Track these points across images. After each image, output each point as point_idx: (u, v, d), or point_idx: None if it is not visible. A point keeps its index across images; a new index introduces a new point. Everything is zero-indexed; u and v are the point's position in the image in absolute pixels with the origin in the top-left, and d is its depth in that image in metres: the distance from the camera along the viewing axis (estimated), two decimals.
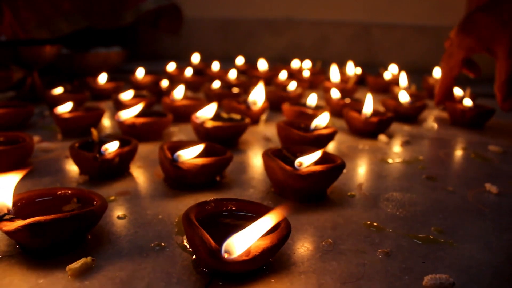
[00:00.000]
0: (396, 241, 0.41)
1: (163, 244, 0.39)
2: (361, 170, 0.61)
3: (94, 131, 0.58)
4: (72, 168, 0.58)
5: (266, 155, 0.49)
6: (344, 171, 0.59)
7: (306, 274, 0.35)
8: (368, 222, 0.45)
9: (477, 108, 0.88)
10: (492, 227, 0.45)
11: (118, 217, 0.44)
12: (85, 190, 0.43)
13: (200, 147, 0.51)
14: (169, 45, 1.93)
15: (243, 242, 0.32)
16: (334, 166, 0.48)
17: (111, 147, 0.53)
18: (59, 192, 0.43)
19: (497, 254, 0.40)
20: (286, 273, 0.35)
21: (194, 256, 0.37)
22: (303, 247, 0.40)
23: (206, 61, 1.53)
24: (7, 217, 0.36)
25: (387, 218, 0.46)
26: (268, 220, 0.34)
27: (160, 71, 1.34)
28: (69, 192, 0.43)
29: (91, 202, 0.41)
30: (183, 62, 1.50)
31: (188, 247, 0.39)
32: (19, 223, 0.35)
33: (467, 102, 0.88)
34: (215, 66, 1.35)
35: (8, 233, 0.35)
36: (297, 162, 0.47)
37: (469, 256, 0.39)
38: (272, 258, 0.37)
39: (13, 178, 0.38)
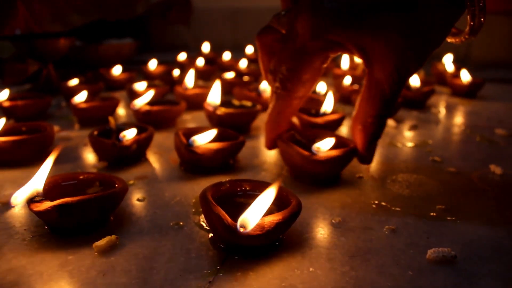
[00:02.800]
0: (402, 218, 0.43)
1: (181, 223, 0.42)
2: None
3: (111, 119, 0.60)
4: (91, 155, 0.61)
5: (282, 141, 0.51)
6: None
7: (316, 249, 0.38)
8: (376, 201, 0.47)
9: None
10: (495, 205, 0.47)
11: (138, 200, 0.47)
12: (107, 174, 0.45)
13: (213, 132, 0.53)
14: (179, 35, 1.95)
15: (255, 216, 0.34)
16: (349, 150, 0.50)
17: (129, 134, 0.55)
18: (81, 177, 0.45)
19: (498, 229, 0.41)
20: (298, 248, 0.38)
21: (210, 234, 0.39)
22: (313, 225, 0.42)
23: (216, 50, 1.55)
24: (37, 198, 0.38)
25: (394, 198, 0.48)
26: (271, 191, 0.37)
27: (172, 61, 1.36)
28: (92, 176, 0.45)
29: (112, 185, 0.43)
30: (194, 52, 1.52)
31: (205, 225, 0.41)
32: (48, 204, 0.37)
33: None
34: (226, 56, 1.37)
35: (38, 213, 0.38)
36: (315, 147, 0.49)
37: (471, 232, 0.41)
38: (284, 234, 0.39)
39: (46, 165, 0.41)
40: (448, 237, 0.40)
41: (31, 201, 0.38)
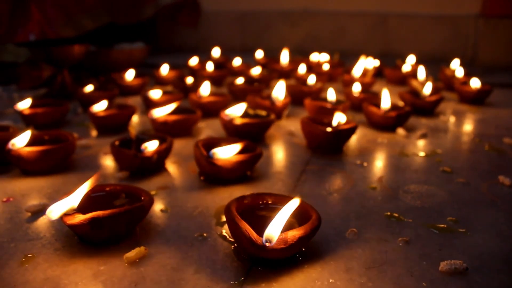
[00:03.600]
0: (415, 230, 0.45)
1: (204, 234, 0.44)
2: (381, 163, 0.65)
3: (132, 130, 0.62)
4: (111, 163, 0.63)
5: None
6: (365, 164, 0.63)
7: (335, 260, 0.40)
8: (389, 213, 0.49)
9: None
10: (504, 217, 0.49)
11: (162, 211, 0.49)
12: (132, 186, 0.48)
13: (237, 147, 0.55)
14: (188, 38, 1.97)
15: (278, 230, 0.37)
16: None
17: (151, 146, 0.57)
18: (108, 188, 0.47)
19: (508, 242, 0.43)
20: (317, 259, 0.40)
21: (233, 246, 0.41)
22: (331, 236, 0.44)
23: (224, 53, 1.57)
24: (69, 211, 0.40)
25: (406, 209, 0.50)
26: (293, 205, 0.39)
27: (182, 65, 1.39)
28: (118, 188, 0.47)
29: (138, 197, 0.46)
30: (202, 54, 1.54)
31: (227, 237, 0.43)
32: (81, 217, 0.40)
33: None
34: (237, 61, 1.39)
35: (71, 226, 0.40)
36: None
37: (481, 244, 0.43)
38: (305, 246, 0.41)
39: (85, 185, 0.43)
40: (459, 249, 0.42)
41: (64, 213, 0.40)
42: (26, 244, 0.42)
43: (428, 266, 0.39)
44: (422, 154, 0.69)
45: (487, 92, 1.04)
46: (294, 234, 0.37)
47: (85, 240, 0.42)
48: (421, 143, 0.74)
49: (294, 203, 0.40)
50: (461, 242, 0.43)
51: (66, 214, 0.40)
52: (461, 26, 1.66)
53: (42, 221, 0.47)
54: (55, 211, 0.40)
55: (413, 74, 1.26)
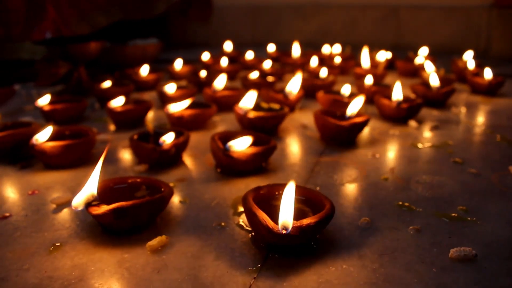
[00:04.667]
0: (426, 219, 0.47)
1: (223, 224, 0.46)
2: (393, 155, 0.67)
3: (149, 124, 0.65)
4: (130, 157, 0.65)
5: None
6: (377, 155, 0.65)
7: (348, 248, 0.41)
8: (400, 203, 0.51)
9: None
10: None
11: (181, 202, 0.51)
12: (152, 178, 0.50)
13: (249, 140, 0.57)
14: (199, 32, 1.99)
15: (290, 216, 0.39)
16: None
17: (168, 139, 0.59)
18: (130, 181, 0.49)
19: None
20: (331, 247, 0.42)
21: (250, 235, 0.43)
22: (344, 225, 0.45)
23: (236, 47, 1.58)
24: (94, 203, 0.43)
25: (417, 199, 0.52)
26: (290, 190, 0.42)
27: (194, 60, 1.40)
28: (138, 180, 0.49)
29: (158, 189, 0.48)
30: (214, 48, 1.56)
31: (245, 226, 0.45)
32: (105, 208, 0.42)
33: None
34: (249, 55, 1.40)
35: (96, 216, 0.42)
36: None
37: (491, 232, 0.44)
38: (319, 234, 0.43)
39: (96, 170, 0.45)
40: (469, 237, 0.43)
41: (89, 205, 0.43)
42: (54, 233, 0.44)
43: (438, 253, 0.41)
44: (433, 145, 0.70)
45: (500, 83, 1.04)
46: (309, 221, 0.39)
47: (108, 229, 0.44)
48: (432, 134, 0.75)
49: (291, 187, 0.42)
50: (471, 231, 0.45)
51: (92, 205, 0.42)
52: (474, 17, 1.65)
53: (66, 212, 0.49)
54: (79, 202, 0.42)
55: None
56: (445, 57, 1.42)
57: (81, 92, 1.09)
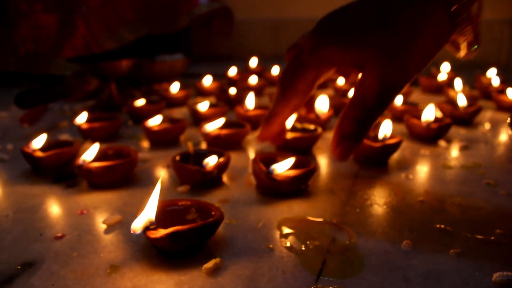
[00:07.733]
0: (465, 242, 0.49)
1: (271, 246, 0.48)
2: (426, 175, 0.68)
3: (190, 145, 0.67)
4: (169, 177, 0.68)
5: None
6: (411, 176, 0.67)
7: (393, 271, 0.43)
8: (438, 225, 0.52)
9: None
10: None
11: (227, 223, 0.53)
12: (201, 201, 0.52)
13: (291, 161, 0.60)
14: (220, 46, 2.02)
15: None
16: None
17: (211, 161, 0.62)
18: (180, 203, 0.52)
19: None
20: (377, 271, 0.43)
21: (299, 256, 0.45)
22: (387, 248, 0.47)
23: (258, 61, 1.61)
24: (152, 227, 0.45)
25: (454, 221, 0.53)
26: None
27: (217, 74, 1.43)
28: (188, 203, 0.52)
29: (208, 212, 0.50)
30: (235, 62, 1.58)
31: (293, 248, 0.47)
32: (162, 232, 0.44)
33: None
34: (275, 70, 1.43)
35: (153, 240, 0.45)
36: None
37: None
38: (364, 260, 0.45)
39: (155, 195, 0.47)
40: (510, 261, 0.45)
41: (146, 228, 0.45)
42: (109, 254, 0.47)
43: (481, 277, 0.42)
44: (464, 166, 0.71)
45: None
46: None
47: (163, 252, 0.47)
48: (462, 154, 0.77)
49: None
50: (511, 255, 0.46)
51: (149, 229, 0.45)
52: (495, 31, 1.66)
53: (118, 233, 0.51)
54: (138, 226, 0.45)
55: (449, 82, 1.28)
56: (466, 72, 1.43)
57: (112, 108, 1.12)
